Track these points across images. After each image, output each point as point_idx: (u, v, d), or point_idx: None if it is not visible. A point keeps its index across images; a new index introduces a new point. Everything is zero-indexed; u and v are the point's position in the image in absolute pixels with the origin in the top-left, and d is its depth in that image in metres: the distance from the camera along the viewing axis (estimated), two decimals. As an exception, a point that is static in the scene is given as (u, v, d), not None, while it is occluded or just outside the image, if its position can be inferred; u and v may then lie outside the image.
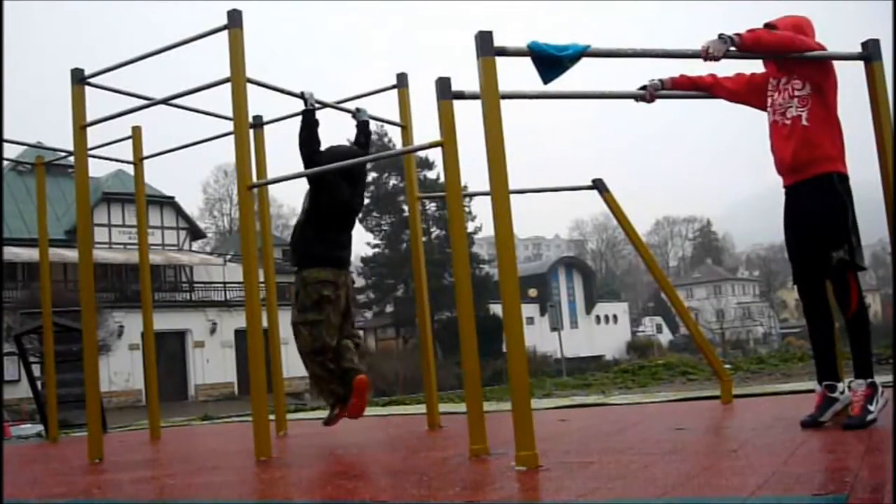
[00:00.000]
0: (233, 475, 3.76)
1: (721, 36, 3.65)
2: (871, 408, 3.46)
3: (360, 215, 5.50)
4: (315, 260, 4.99)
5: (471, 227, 41.86)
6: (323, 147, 5.06)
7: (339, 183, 5.01)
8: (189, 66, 19.27)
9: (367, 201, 34.19)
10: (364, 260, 47.98)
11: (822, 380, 3.69)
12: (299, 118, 5.18)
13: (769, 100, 3.85)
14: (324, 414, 9.42)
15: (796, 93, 3.72)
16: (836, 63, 3.76)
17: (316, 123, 5.06)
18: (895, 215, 3.68)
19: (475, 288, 11.18)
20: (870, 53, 3.79)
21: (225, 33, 4.33)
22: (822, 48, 3.72)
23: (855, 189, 3.71)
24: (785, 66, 3.78)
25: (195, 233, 41.36)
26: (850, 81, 3.88)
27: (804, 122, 3.67)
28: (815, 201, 3.67)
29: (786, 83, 3.77)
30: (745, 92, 4.01)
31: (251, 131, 5.22)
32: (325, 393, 5.04)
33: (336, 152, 5.12)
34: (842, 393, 3.60)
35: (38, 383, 8.39)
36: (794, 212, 3.79)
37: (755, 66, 4.02)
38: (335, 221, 5.07)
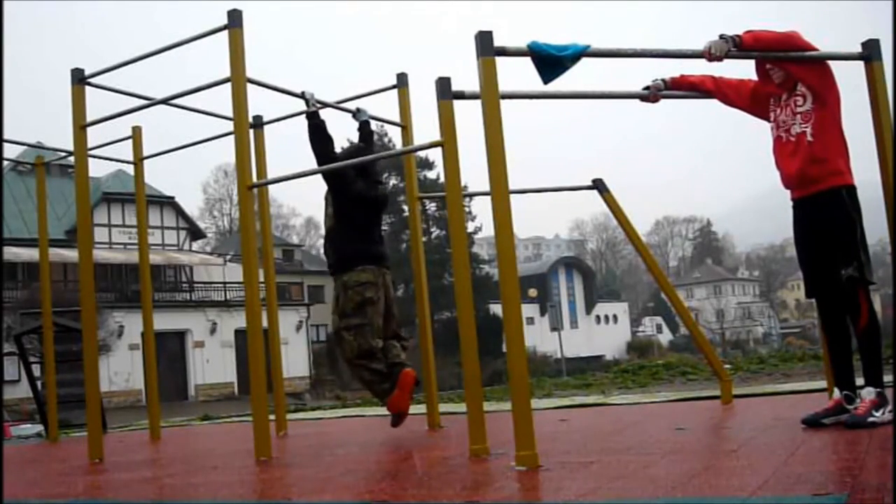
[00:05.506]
0: (233, 475, 3.76)
1: (722, 36, 3.66)
2: (877, 413, 3.46)
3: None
4: (353, 261, 4.91)
5: (471, 227, 41.87)
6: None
7: (354, 178, 5.00)
8: (189, 66, 19.30)
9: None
10: (364, 260, 47.89)
11: (841, 387, 3.66)
12: (300, 118, 5.17)
13: (772, 115, 3.84)
14: (324, 414, 9.45)
15: (798, 109, 3.71)
16: (835, 63, 3.76)
17: (323, 124, 5.04)
18: (895, 215, 3.68)
19: (475, 288, 11.18)
20: (870, 53, 3.79)
21: (225, 33, 4.33)
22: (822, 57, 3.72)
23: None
24: (786, 81, 3.76)
25: (195, 233, 41.36)
26: (851, 81, 3.88)
27: (809, 139, 3.65)
28: (824, 217, 3.66)
29: (787, 99, 3.76)
30: (748, 103, 4.00)
31: (251, 131, 5.22)
32: (379, 395, 4.94)
33: (342, 153, 5.21)
34: (856, 408, 3.56)
35: (38, 383, 8.38)
36: (803, 227, 3.78)
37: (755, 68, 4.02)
38: (362, 217, 5.03)
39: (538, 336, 44.15)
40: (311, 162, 5.02)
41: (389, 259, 5.26)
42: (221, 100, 4.76)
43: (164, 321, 28.60)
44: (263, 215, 5.98)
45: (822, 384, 5.12)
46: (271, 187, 8.07)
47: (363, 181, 5.05)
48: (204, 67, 7.91)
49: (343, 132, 6.53)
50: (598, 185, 5.47)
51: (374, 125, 5.63)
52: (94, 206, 32.58)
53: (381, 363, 4.83)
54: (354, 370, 4.93)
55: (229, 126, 5.12)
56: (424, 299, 5.58)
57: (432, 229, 44.07)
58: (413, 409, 7.10)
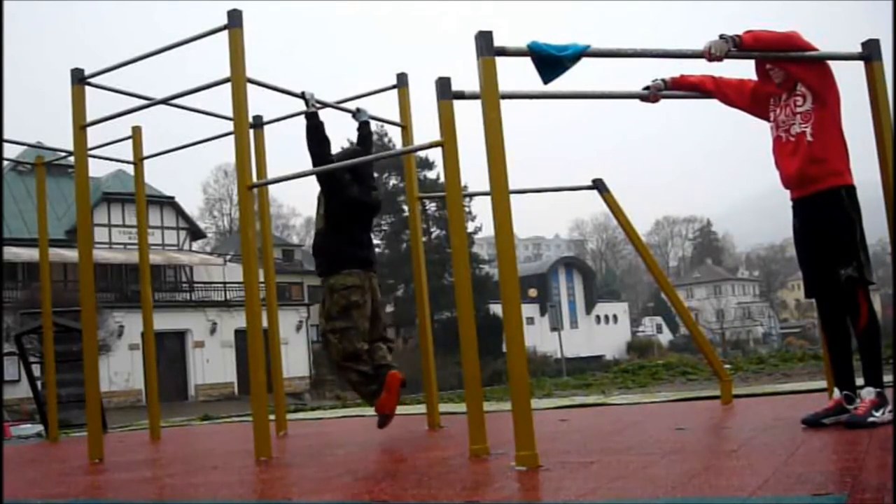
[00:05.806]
0: (233, 475, 3.76)
1: (722, 36, 3.66)
2: (876, 413, 3.46)
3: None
4: (340, 264, 4.93)
5: (471, 227, 41.87)
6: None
7: (349, 182, 5.01)
8: (189, 66, 19.31)
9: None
10: (364, 260, 47.94)
11: (841, 387, 3.65)
12: (300, 118, 5.17)
13: (772, 115, 3.84)
14: (324, 414, 9.44)
15: (798, 109, 3.71)
16: (835, 63, 3.76)
17: (322, 125, 5.05)
18: (895, 215, 3.68)
19: (475, 288, 11.17)
20: (870, 53, 3.79)
21: (225, 33, 4.33)
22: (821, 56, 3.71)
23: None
24: (786, 81, 3.76)
25: (195, 233, 41.37)
26: (851, 81, 3.88)
27: (809, 139, 3.65)
28: (823, 217, 3.66)
29: (787, 99, 3.76)
30: (748, 103, 3.99)
31: (251, 131, 5.21)
32: (366, 397, 4.97)
33: (340, 154, 5.22)
34: (856, 408, 3.56)
35: (38, 383, 8.38)
36: (802, 227, 3.78)
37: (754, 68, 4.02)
38: (353, 221, 5.04)
39: (538, 336, 44.16)
40: (310, 162, 5.02)
41: (377, 263, 5.28)
42: (221, 100, 4.76)
43: (164, 321, 28.61)
44: (263, 215, 5.98)
45: (822, 384, 5.12)
46: (271, 187, 8.08)
47: (358, 186, 5.05)
48: (204, 67, 7.91)
49: (343, 132, 6.54)
50: (598, 185, 5.47)
51: (374, 125, 5.63)
52: (94, 206, 32.58)
53: (367, 365, 4.86)
54: (341, 372, 4.97)
55: (229, 126, 5.12)
56: (424, 299, 5.58)
57: (432, 229, 44.07)
58: (413, 409, 7.10)
